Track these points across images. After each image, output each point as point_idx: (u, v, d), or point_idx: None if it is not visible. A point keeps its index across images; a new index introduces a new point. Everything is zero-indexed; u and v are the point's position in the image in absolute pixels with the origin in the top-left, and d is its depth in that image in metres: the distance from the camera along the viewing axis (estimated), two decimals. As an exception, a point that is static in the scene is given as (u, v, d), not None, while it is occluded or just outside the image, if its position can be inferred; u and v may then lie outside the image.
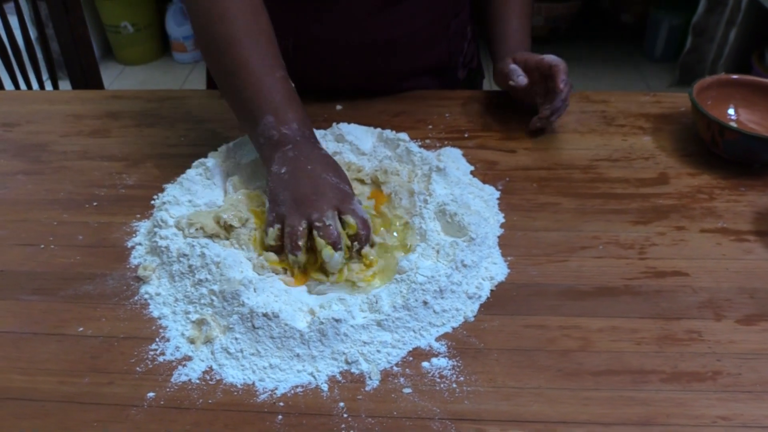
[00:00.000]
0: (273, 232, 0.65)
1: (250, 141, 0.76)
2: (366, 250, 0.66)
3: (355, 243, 0.65)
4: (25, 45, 1.43)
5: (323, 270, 0.65)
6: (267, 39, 0.74)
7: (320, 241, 0.63)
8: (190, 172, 0.76)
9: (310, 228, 0.64)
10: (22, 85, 1.48)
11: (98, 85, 1.49)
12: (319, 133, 0.83)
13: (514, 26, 0.94)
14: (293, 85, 0.75)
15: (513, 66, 0.85)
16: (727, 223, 0.74)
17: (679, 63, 2.55)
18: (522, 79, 0.83)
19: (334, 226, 0.63)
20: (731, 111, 0.87)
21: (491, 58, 0.95)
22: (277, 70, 0.73)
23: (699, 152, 0.85)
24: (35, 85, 1.50)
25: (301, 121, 0.71)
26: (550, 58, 0.83)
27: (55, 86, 1.49)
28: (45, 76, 1.49)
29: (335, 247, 0.63)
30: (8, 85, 1.46)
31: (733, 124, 0.86)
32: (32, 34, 1.44)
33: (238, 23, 0.73)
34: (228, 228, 0.67)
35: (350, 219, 0.64)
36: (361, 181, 0.77)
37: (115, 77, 2.83)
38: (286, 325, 0.58)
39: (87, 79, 1.45)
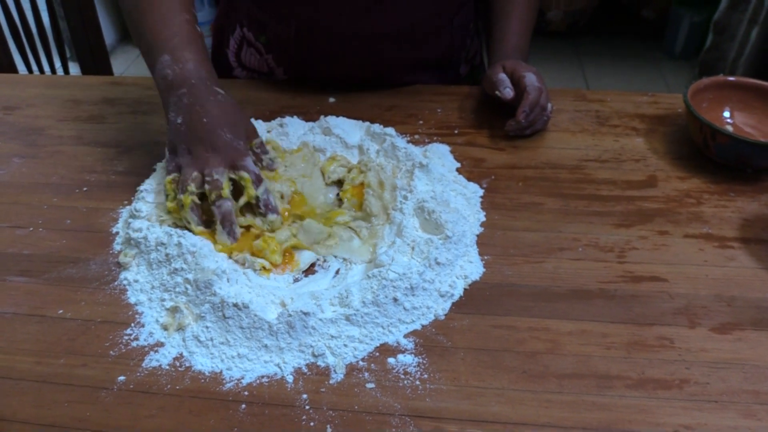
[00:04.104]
0: (169, 178, 0.69)
1: None
2: (272, 217, 0.69)
3: (261, 206, 0.69)
4: (37, 28, 1.45)
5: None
6: None
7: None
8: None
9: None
10: (34, 68, 1.50)
11: (107, 69, 1.51)
12: (306, 126, 0.83)
13: (514, 29, 0.93)
14: (200, 30, 0.75)
15: (501, 76, 0.85)
16: (712, 229, 0.73)
17: (699, 61, 2.49)
18: (508, 91, 0.83)
19: (220, 180, 0.66)
20: (727, 114, 0.86)
21: (488, 57, 0.95)
22: (180, 14, 0.74)
23: (691, 155, 0.83)
24: (47, 68, 1.52)
25: (199, 61, 0.71)
26: (528, 80, 0.83)
27: (66, 70, 1.51)
28: (57, 61, 1.52)
29: (220, 197, 0.67)
30: (21, 67, 1.49)
31: (729, 128, 0.84)
32: (44, 17, 1.46)
33: None
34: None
35: (243, 174, 0.67)
36: (349, 170, 0.78)
37: (132, 61, 2.86)
38: (256, 315, 0.58)
39: (96, 63, 1.47)
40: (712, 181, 0.79)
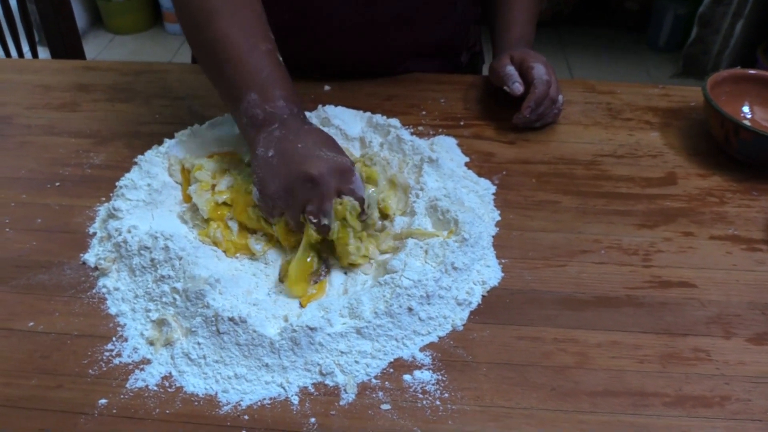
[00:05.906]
0: (279, 228, 0.62)
1: (221, 123, 0.70)
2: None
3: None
4: (3, 11, 1.35)
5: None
6: (251, 10, 0.68)
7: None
8: (149, 153, 0.69)
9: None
10: (0, 53, 1.41)
11: (79, 54, 1.42)
12: (303, 116, 0.77)
13: (518, 18, 0.88)
14: (281, 59, 0.68)
15: (510, 69, 0.80)
16: (738, 230, 0.68)
17: (683, 53, 2.49)
18: (517, 86, 0.79)
19: (328, 226, 0.59)
20: (746, 108, 0.81)
21: (492, 47, 0.90)
22: (262, 42, 0.66)
23: (710, 151, 0.79)
24: (14, 53, 1.42)
25: (289, 98, 0.65)
26: (537, 73, 0.78)
27: (35, 55, 1.42)
28: (25, 45, 1.42)
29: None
30: (-15, 51, 1.38)
31: (747, 123, 0.80)
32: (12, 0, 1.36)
33: None
34: None
35: (353, 201, 0.59)
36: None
37: (104, 47, 2.73)
38: (254, 331, 0.52)
39: (67, 48, 1.38)
40: (734, 179, 0.75)
